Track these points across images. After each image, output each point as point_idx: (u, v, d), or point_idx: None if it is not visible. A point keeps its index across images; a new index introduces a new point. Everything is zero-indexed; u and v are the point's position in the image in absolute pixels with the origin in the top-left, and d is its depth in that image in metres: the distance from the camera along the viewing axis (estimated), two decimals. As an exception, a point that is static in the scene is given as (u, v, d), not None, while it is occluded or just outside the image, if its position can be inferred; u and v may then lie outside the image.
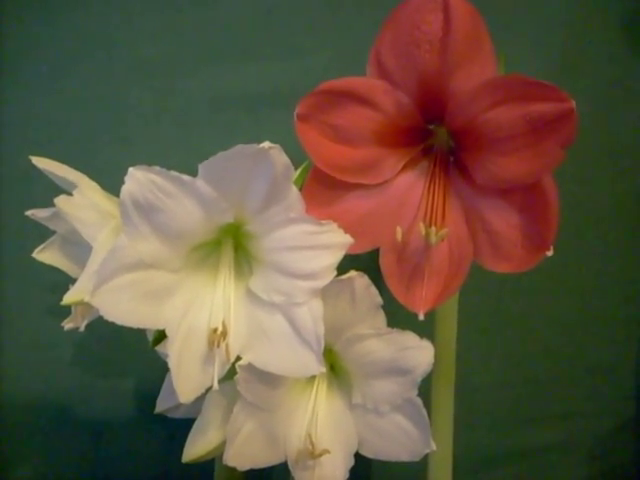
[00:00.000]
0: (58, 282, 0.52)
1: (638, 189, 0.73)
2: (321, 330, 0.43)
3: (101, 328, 0.43)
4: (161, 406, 0.60)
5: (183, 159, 0.51)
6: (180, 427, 0.52)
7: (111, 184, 0.43)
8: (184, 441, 0.50)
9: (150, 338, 0.51)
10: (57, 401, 0.73)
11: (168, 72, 0.70)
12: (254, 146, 0.40)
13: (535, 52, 0.69)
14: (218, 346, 0.43)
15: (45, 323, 0.64)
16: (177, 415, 0.59)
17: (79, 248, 0.50)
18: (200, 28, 0.69)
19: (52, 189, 0.50)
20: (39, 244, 0.53)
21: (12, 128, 0.70)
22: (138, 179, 0.40)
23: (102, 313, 0.42)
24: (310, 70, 0.68)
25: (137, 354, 0.67)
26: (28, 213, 0.52)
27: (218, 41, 0.69)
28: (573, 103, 0.39)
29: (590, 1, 0.70)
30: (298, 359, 0.44)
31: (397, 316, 0.47)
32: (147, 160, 0.59)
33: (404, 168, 0.47)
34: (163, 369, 0.44)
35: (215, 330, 0.44)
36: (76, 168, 0.51)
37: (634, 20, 0.69)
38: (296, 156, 0.45)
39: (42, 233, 0.53)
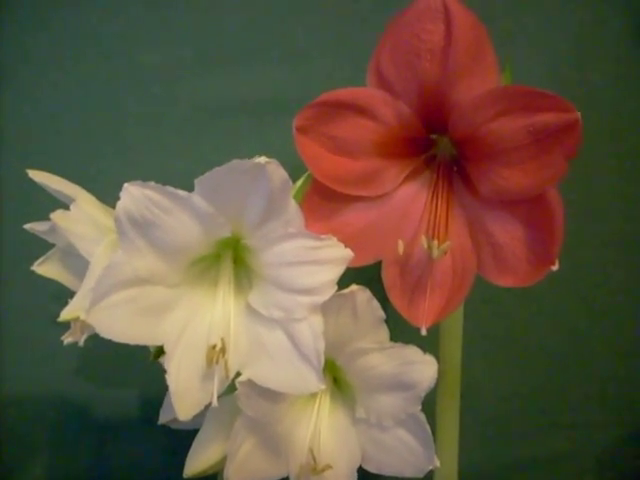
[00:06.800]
0: (61, 292, 0.52)
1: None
2: (321, 346, 0.42)
3: (104, 338, 0.43)
4: (165, 417, 0.60)
5: (185, 167, 0.51)
6: (184, 438, 0.51)
7: (111, 193, 0.43)
8: (188, 452, 0.49)
9: (152, 349, 0.50)
10: (60, 411, 0.73)
11: (168, 79, 0.69)
12: (250, 161, 0.39)
13: (541, 55, 0.68)
14: (217, 363, 0.43)
15: (48, 333, 0.64)
16: (181, 426, 0.59)
17: (79, 261, 0.49)
18: (201, 34, 0.69)
19: (56, 198, 0.50)
20: (43, 253, 0.53)
21: (11, 136, 0.70)
22: (133, 195, 0.40)
23: (98, 331, 0.41)
24: (313, 76, 0.68)
25: (140, 364, 0.66)
26: (27, 227, 0.52)
27: (219, 47, 0.69)
28: (578, 114, 0.38)
29: (597, 3, 0.68)
30: (298, 375, 0.43)
31: (403, 329, 0.46)
32: (148, 169, 0.58)
33: (406, 179, 0.46)
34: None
35: (214, 346, 0.43)
36: (76, 177, 0.51)
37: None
38: (299, 164, 0.44)
39: (46, 243, 0.53)
